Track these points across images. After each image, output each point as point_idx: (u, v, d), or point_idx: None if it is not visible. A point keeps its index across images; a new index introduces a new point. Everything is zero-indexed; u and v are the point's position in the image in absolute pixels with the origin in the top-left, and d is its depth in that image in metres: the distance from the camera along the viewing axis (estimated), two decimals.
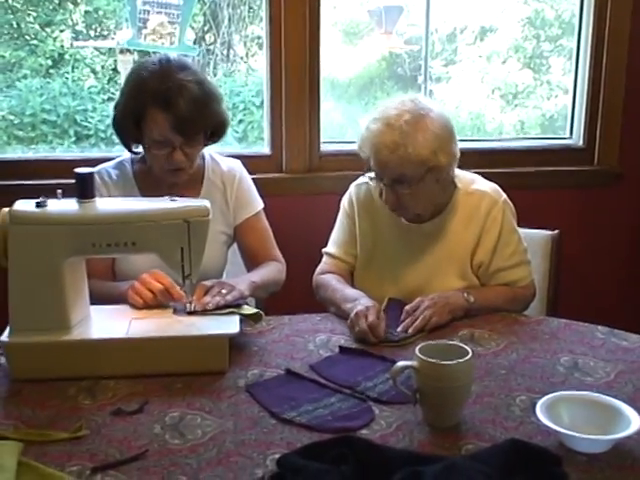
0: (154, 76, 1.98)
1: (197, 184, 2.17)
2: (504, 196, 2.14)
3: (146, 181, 2.14)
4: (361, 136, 2.05)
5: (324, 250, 2.28)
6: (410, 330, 1.87)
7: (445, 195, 2.12)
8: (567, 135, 3.13)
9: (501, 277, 2.11)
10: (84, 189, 1.66)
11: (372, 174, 2.07)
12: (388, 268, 2.17)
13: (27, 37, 3.04)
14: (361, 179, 2.24)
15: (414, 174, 1.97)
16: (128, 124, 2.03)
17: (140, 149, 2.11)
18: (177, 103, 1.94)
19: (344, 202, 2.26)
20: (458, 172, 2.13)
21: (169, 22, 2.71)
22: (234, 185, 2.21)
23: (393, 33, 3.13)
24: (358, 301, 1.95)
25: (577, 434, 1.35)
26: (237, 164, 2.27)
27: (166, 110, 1.95)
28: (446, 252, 2.12)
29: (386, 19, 3.08)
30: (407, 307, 1.95)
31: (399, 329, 1.88)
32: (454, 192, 2.13)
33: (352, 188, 2.25)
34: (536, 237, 2.35)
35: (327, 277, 2.20)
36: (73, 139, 3.06)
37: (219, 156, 2.26)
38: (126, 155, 2.19)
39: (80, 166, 1.75)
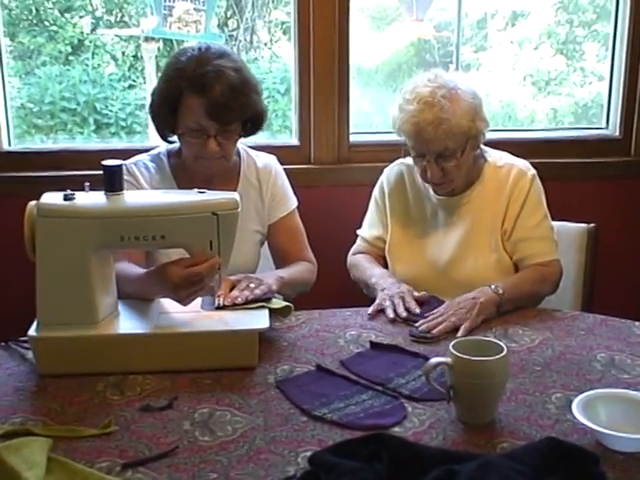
0: (192, 61, 1.95)
1: (233, 180, 2.14)
2: (533, 171, 2.17)
3: (182, 175, 2.11)
4: (398, 119, 2.09)
5: (358, 231, 2.36)
6: (434, 332, 1.83)
7: (476, 167, 2.18)
8: (603, 125, 3.05)
9: (523, 248, 2.11)
10: (112, 182, 1.64)
11: (410, 157, 2.12)
12: (421, 246, 2.21)
13: (46, 23, 3.02)
14: (393, 162, 2.30)
15: (457, 145, 2.04)
16: (164, 110, 2.00)
17: (175, 139, 2.07)
18: (213, 88, 1.90)
19: (377, 185, 2.33)
20: (488, 149, 2.22)
21: (195, 9, 2.69)
22: (269, 183, 2.18)
23: (424, 20, 3.08)
24: (383, 280, 2.07)
25: (615, 433, 1.32)
26: (272, 160, 2.23)
27: (201, 95, 1.91)
28: (477, 224, 2.15)
29: (417, 6, 3.04)
30: (432, 316, 1.90)
31: (422, 327, 1.85)
32: (484, 165, 2.18)
33: (385, 171, 2.33)
34: (571, 230, 2.31)
35: (358, 257, 2.31)
36: (93, 128, 3.05)
37: (254, 151, 2.23)
38: (161, 148, 2.16)
39: (107, 158, 1.73)
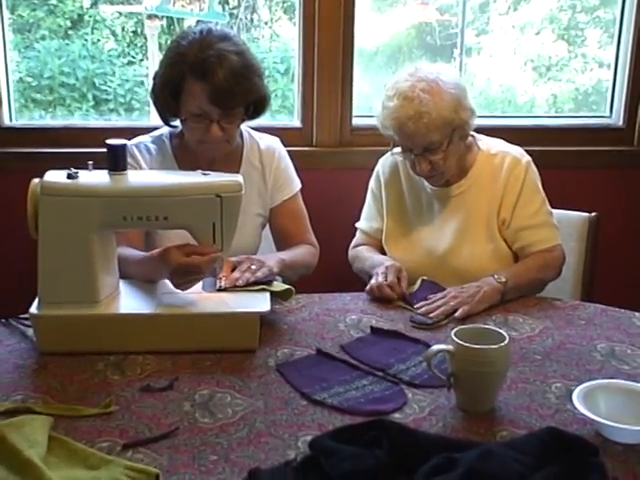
0: (194, 46, 1.92)
1: (235, 163, 2.12)
2: (528, 157, 2.16)
3: (184, 157, 2.10)
4: (381, 115, 2.10)
5: (357, 225, 2.35)
6: (432, 315, 1.84)
7: (469, 156, 2.17)
8: (606, 114, 3.04)
9: (524, 236, 2.11)
10: (116, 161, 1.63)
11: (399, 149, 2.11)
12: (418, 236, 2.21)
13: None
14: (388, 153, 2.27)
15: (442, 138, 2.02)
16: (166, 96, 1.98)
17: (178, 123, 2.05)
18: (215, 73, 1.88)
19: (372, 178, 2.32)
20: (481, 137, 2.21)
21: None
22: (272, 166, 2.16)
23: (429, 4, 3.06)
24: (383, 264, 2.04)
25: (614, 424, 1.32)
26: (276, 142, 2.22)
27: (204, 80, 1.89)
28: (473, 214, 2.14)
29: None
30: (435, 297, 1.92)
31: (420, 310, 1.86)
32: (477, 154, 2.17)
33: (379, 161, 2.32)
34: (572, 219, 2.31)
35: (359, 249, 2.30)
36: (91, 103, 3.01)
37: (257, 133, 2.21)
38: (164, 129, 2.14)
39: (110, 136, 1.72)
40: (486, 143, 2.20)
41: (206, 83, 1.89)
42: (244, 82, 1.93)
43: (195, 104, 1.93)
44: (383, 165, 2.29)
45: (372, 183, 2.32)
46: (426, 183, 2.19)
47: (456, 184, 2.17)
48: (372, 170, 2.32)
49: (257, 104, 2.04)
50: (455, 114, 2.02)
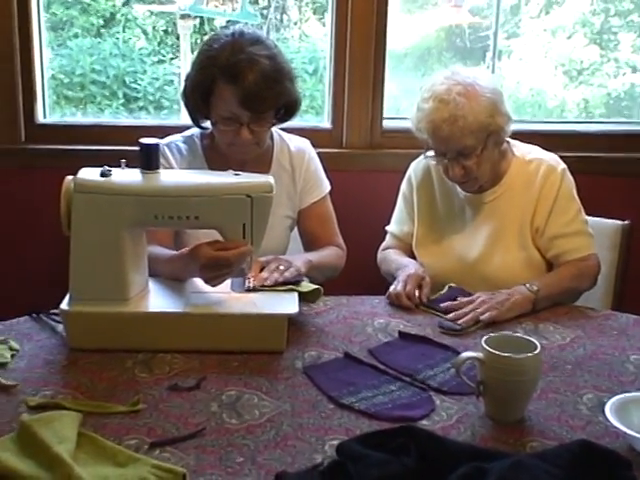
0: (225, 49, 1.92)
1: (265, 165, 2.12)
2: (563, 165, 2.13)
3: (214, 158, 2.09)
4: (415, 118, 2.07)
5: (387, 228, 2.34)
6: (460, 321, 1.82)
7: (504, 162, 2.14)
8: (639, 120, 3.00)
9: (558, 245, 2.08)
10: (149, 160, 1.64)
11: (432, 153, 2.09)
12: (449, 241, 2.19)
13: None
14: (420, 157, 2.25)
15: (476, 142, 2.00)
16: (196, 98, 1.98)
17: (208, 124, 2.05)
18: (246, 77, 1.88)
19: (404, 180, 2.30)
20: (516, 143, 2.18)
21: None
22: (302, 168, 2.16)
23: (463, 7, 3.04)
24: (407, 267, 2.04)
25: None
26: (306, 144, 2.21)
27: (234, 84, 1.89)
28: (505, 221, 2.12)
29: None
30: (463, 300, 1.91)
31: (449, 316, 1.85)
32: (512, 161, 2.14)
33: (411, 165, 2.30)
34: (604, 227, 2.28)
35: (387, 251, 2.29)
36: (122, 101, 3.04)
37: (287, 135, 2.21)
38: (195, 129, 2.14)
39: (142, 134, 1.72)
40: (521, 149, 2.17)
41: (237, 87, 1.89)
42: (275, 86, 1.92)
43: (225, 107, 1.93)
44: (415, 169, 2.27)
45: (404, 186, 2.30)
46: (459, 188, 2.17)
47: (489, 190, 2.14)
48: (402, 173, 2.30)
49: (287, 107, 2.04)
50: (491, 119, 2.00)
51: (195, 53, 2.07)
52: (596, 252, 2.10)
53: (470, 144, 2.00)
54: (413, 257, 2.23)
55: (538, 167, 2.11)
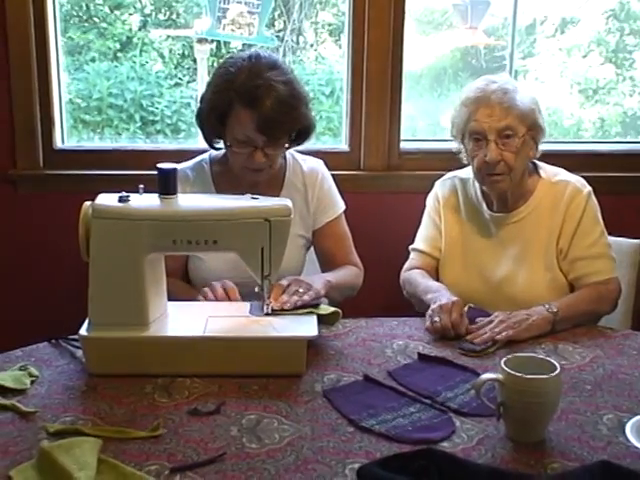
0: (243, 72, 1.94)
1: (277, 185, 2.14)
2: (589, 188, 2.13)
3: (224, 182, 2.12)
4: (456, 111, 2.11)
5: (411, 247, 2.32)
6: (477, 341, 1.82)
7: (531, 182, 2.15)
8: None
9: (580, 267, 2.08)
10: (166, 185, 1.65)
11: (468, 148, 2.10)
12: (473, 261, 2.18)
13: (96, 19, 3.04)
14: (446, 176, 2.27)
15: (519, 126, 2.02)
16: (212, 119, 2.00)
17: (221, 144, 2.08)
18: (264, 102, 1.90)
19: (429, 198, 2.30)
20: (543, 165, 2.20)
21: (248, 12, 2.70)
22: (315, 188, 2.17)
23: (478, 29, 3.05)
24: (440, 293, 1.98)
25: None
26: (319, 164, 2.23)
27: (252, 109, 1.91)
28: (531, 242, 2.12)
29: (472, 13, 3.01)
30: (482, 322, 1.90)
31: (467, 337, 1.84)
32: (538, 182, 2.14)
33: (437, 184, 2.30)
34: (622, 246, 2.27)
35: (412, 272, 2.24)
36: (139, 124, 3.06)
37: (300, 155, 2.22)
38: (206, 155, 2.17)
39: (160, 158, 1.74)
40: (547, 171, 2.17)
41: (253, 111, 1.91)
42: (291, 112, 1.95)
43: (241, 131, 1.95)
44: (442, 187, 2.27)
45: (430, 203, 2.29)
46: (484, 207, 2.17)
47: (515, 210, 2.14)
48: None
49: (302, 132, 2.06)
50: (533, 112, 2.04)
51: (211, 74, 2.09)
52: (617, 276, 2.09)
53: (513, 124, 2.01)
54: (437, 276, 2.23)
55: (564, 189, 2.11)
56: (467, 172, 2.23)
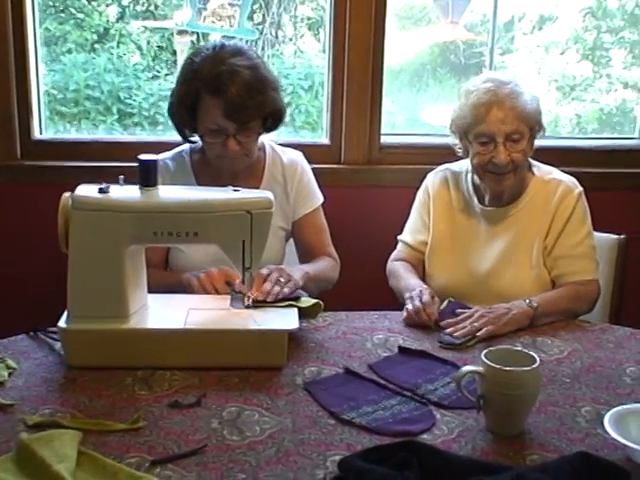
0: (206, 62, 1.95)
1: (257, 177, 2.14)
2: (580, 189, 2.15)
3: (204, 172, 2.12)
4: (459, 109, 2.10)
5: (399, 237, 2.33)
6: (457, 334, 1.83)
7: (524, 178, 2.15)
8: (631, 135, 3.02)
9: (562, 265, 2.10)
10: (147, 176, 1.64)
11: (471, 147, 2.09)
12: (461, 254, 2.20)
13: (73, 10, 3.00)
14: (438, 168, 2.28)
15: (525, 129, 2.03)
16: (182, 112, 2.01)
17: (197, 137, 2.07)
18: (229, 89, 1.90)
19: (420, 191, 2.31)
20: (537, 163, 2.21)
21: (229, 4, 2.68)
22: (295, 179, 2.17)
23: (459, 24, 3.06)
24: (417, 288, 2.00)
25: None
26: (299, 156, 2.23)
27: (218, 96, 1.91)
28: (520, 239, 2.13)
29: (453, 9, 3.01)
30: (462, 315, 1.91)
31: (448, 330, 1.85)
32: (531, 180, 2.16)
33: (429, 176, 2.31)
34: (601, 241, 2.28)
35: (397, 265, 2.26)
36: (116, 117, 3.03)
37: (280, 147, 2.22)
38: (185, 146, 2.16)
39: (139, 150, 1.73)
40: (541, 169, 2.19)
41: (220, 99, 1.91)
42: (257, 96, 1.94)
43: (211, 120, 1.95)
44: (433, 180, 2.28)
45: (420, 196, 2.29)
46: (475, 202, 2.18)
47: (505, 207, 2.15)
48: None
49: (274, 116, 2.05)
50: (538, 115, 2.07)
51: (179, 68, 2.09)
52: (598, 278, 2.11)
53: (522, 128, 2.02)
54: (424, 268, 2.24)
55: (556, 188, 2.13)
56: (459, 165, 2.25)
